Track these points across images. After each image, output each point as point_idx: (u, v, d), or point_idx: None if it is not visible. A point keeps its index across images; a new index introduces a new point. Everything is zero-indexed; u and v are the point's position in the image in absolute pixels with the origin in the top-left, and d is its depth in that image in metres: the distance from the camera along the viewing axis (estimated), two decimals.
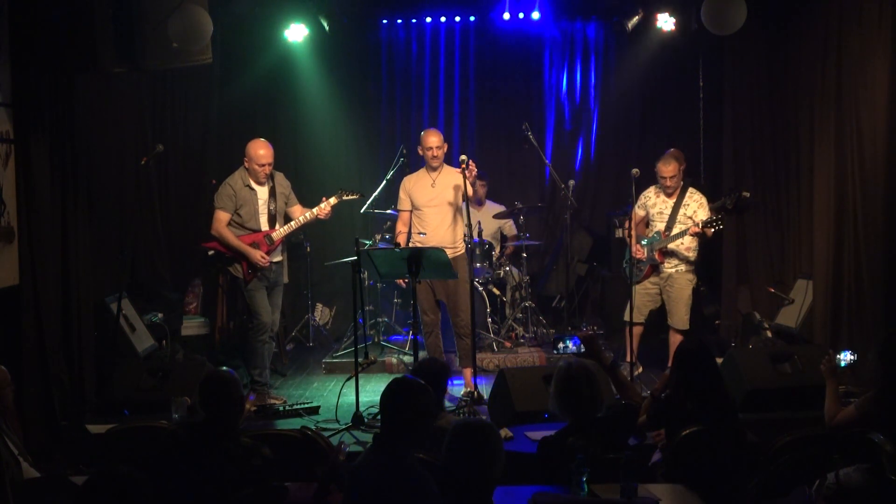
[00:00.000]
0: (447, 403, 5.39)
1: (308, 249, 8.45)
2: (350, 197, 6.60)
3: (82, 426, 5.51)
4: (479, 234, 7.50)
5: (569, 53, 9.20)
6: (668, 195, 6.82)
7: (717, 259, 8.13)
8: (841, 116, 6.73)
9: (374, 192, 7.85)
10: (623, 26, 8.64)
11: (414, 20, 9.08)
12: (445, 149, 6.57)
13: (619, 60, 9.14)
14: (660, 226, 6.79)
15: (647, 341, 7.23)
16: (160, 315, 7.25)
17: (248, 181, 6.31)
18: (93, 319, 6.33)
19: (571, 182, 8.27)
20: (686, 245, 6.72)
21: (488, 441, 3.02)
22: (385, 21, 9.08)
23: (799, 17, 7.41)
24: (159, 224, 7.64)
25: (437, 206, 6.48)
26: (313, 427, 5.30)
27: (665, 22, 8.30)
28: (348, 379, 6.11)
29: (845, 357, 4.60)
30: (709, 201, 6.88)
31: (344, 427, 5.76)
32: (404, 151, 7.81)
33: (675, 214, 6.74)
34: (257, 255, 6.24)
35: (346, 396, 6.10)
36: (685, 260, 6.74)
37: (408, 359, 7.28)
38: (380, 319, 8.15)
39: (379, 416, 3.90)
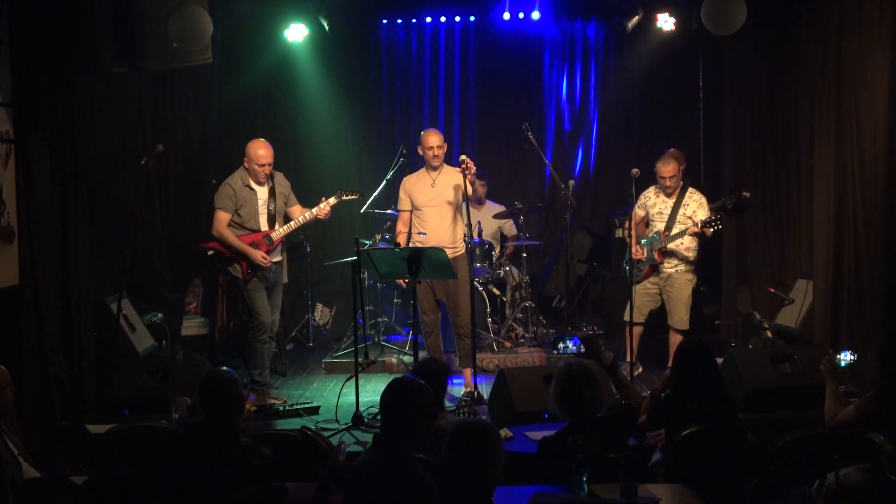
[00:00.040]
0: (447, 403, 5.39)
1: (308, 249, 8.45)
2: (349, 197, 6.60)
3: (82, 426, 5.51)
4: (479, 234, 7.50)
5: (569, 53, 9.20)
6: (668, 195, 6.82)
7: (717, 259, 8.13)
8: (841, 116, 6.73)
9: (374, 192, 7.85)
10: (623, 26, 8.64)
11: (414, 20, 9.08)
12: (445, 148, 6.57)
13: (619, 60, 9.14)
14: (659, 226, 6.80)
15: (647, 341, 7.23)
16: (160, 315, 7.25)
17: (247, 181, 6.31)
18: (93, 319, 6.33)
19: (571, 182, 8.28)
20: (686, 245, 6.72)
21: (488, 441, 3.02)
22: (385, 21, 9.08)
23: (799, 17, 7.40)
24: (159, 224, 7.64)
25: (437, 206, 6.48)
26: (313, 427, 5.31)
27: (665, 22, 8.30)
28: (348, 379, 6.11)
29: (845, 357, 4.60)
30: (709, 201, 6.88)
31: (344, 427, 5.76)
32: (404, 151, 7.81)
33: (674, 214, 6.74)
34: (258, 256, 6.24)
35: (346, 396, 6.10)
36: (685, 260, 6.74)
37: (408, 359, 7.28)
38: (380, 319, 8.15)
39: (379, 416, 3.90)
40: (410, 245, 6.45)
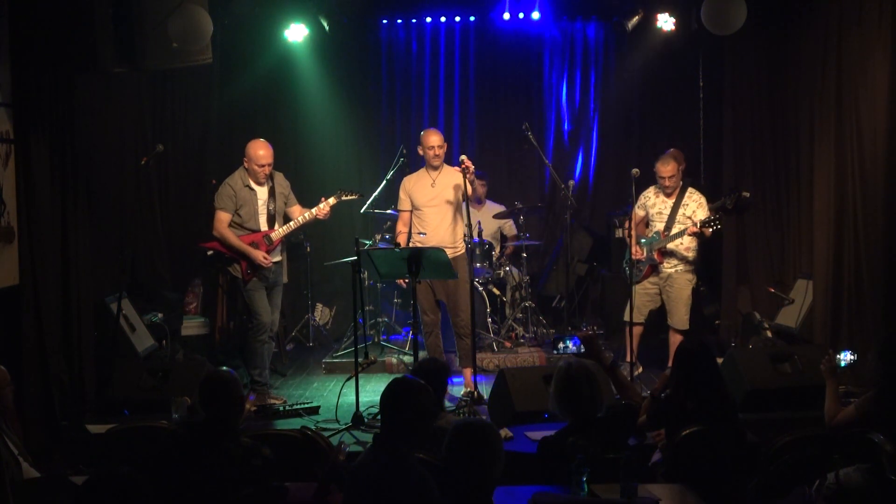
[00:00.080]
0: (447, 403, 5.39)
1: (308, 249, 8.45)
2: (349, 197, 6.60)
3: (82, 426, 5.51)
4: (479, 234, 7.50)
5: (569, 53, 9.20)
6: (668, 195, 6.82)
7: (717, 259, 8.13)
8: (841, 116, 6.72)
9: (374, 192, 7.85)
10: (623, 26, 8.64)
11: (414, 20, 9.08)
12: (445, 148, 6.57)
13: (619, 60, 9.14)
14: (659, 226, 6.80)
15: (647, 341, 7.23)
16: (160, 315, 7.25)
17: (247, 181, 6.31)
18: (93, 319, 6.34)
19: (571, 182, 8.27)
20: (685, 245, 6.72)
21: (488, 441, 3.02)
22: (385, 21, 9.09)
23: (799, 17, 7.40)
24: (159, 224, 7.64)
25: (437, 205, 6.48)
26: (313, 427, 5.30)
27: (665, 22, 8.30)
28: (348, 379, 6.11)
29: (845, 357, 4.60)
30: (709, 201, 6.88)
31: (344, 427, 5.76)
32: (404, 151, 7.81)
33: (674, 214, 6.74)
34: (259, 256, 6.24)
35: (346, 396, 6.10)
36: (684, 260, 6.74)
37: (408, 359, 7.27)
38: (380, 319, 8.15)
39: (379, 416, 3.90)
40: (410, 245, 6.45)
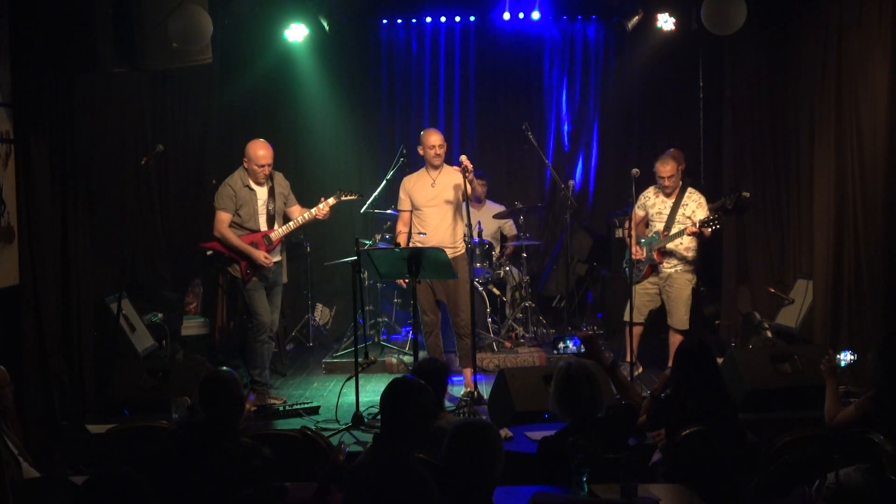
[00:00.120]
0: (447, 403, 5.39)
1: (308, 249, 8.45)
2: (348, 197, 6.60)
3: (82, 426, 5.51)
4: (479, 235, 7.50)
5: (569, 53, 9.20)
6: (667, 195, 6.82)
7: (717, 259, 8.13)
8: (841, 116, 6.72)
9: (374, 192, 7.85)
10: (623, 26, 8.65)
11: (414, 20, 9.08)
12: (445, 147, 6.57)
13: (619, 60, 9.14)
14: (659, 226, 6.80)
15: (647, 341, 7.23)
16: (160, 315, 7.25)
17: (247, 181, 6.31)
18: (93, 319, 6.33)
19: (571, 182, 8.27)
20: (685, 245, 6.72)
21: (488, 441, 3.02)
22: (385, 21, 9.09)
23: (799, 17, 7.40)
24: (159, 224, 7.64)
25: (437, 205, 6.48)
26: (313, 427, 5.30)
27: (665, 22, 8.31)
28: (348, 379, 6.11)
29: (845, 357, 4.60)
30: (709, 201, 6.88)
31: (344, 427, 5.76)
32: (404, 151, 7.81)
33: (673, 214, 6.75)
34: (261, 256, 6.24)
35: (346, 396, 6.10)
36: (684, 260, 6.74)
37: (408, 359, 7.27)
38: (380, 319, 8.15)
39: (379, 416, 3.90)
40: (410, 245, 6.45)
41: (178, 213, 7.93)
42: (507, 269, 8.07)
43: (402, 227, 6.68)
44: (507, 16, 8.65)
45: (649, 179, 6.93)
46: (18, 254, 5.57)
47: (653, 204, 6.89)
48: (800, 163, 7.46)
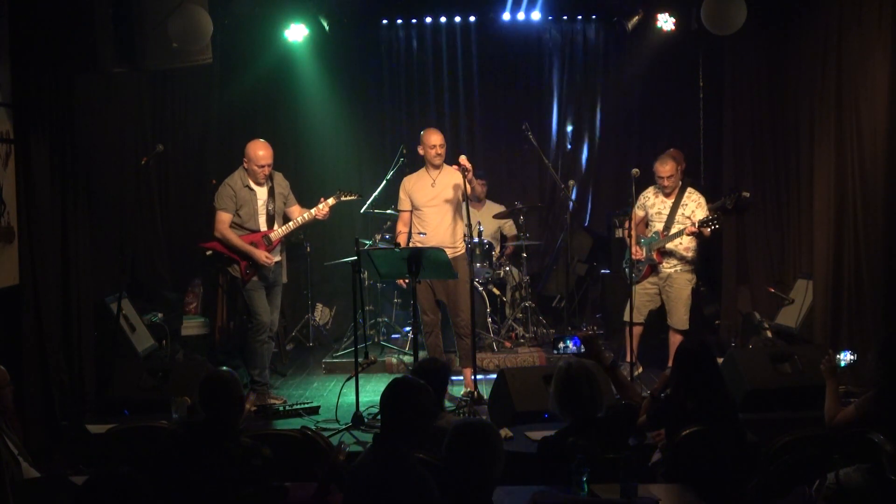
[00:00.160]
0: (447, 403, 5.39)
1: (308, 249, 8.45)
2: (348, 198, 6.60)
3: (82, 426, 5.51)
4: (479, 234, 7.50)
5: (569, 53, 9.20)
6: (667, 195, 6.82)
7: (717, 259, 8.13)
8: (841, 116, 6.72)
9: (374, 192, 7.85)
10: (623, 26, 8.64)
11: (414, 20, 9.09)
12: (445, 147, 6.58)
13: (619, 60, 9.14)
14: (658, 226, 6.80)
15: (647, 341, 7.23)
16: (160, 315, 7.25)
17: (247, 181, 6.31)
18: (93, 319, 6.33)
19: (571, 182, 8.28)
20: (684, 245, 6.72)
21: (488, 441, 3.02)
22: (385, 21, 9.09)
23: (799, 17, 7.40)
24: (159, 224, 7.64)
25: (437, 205, 6.48)
26: (313, 427, 5.30)
27: (665, 22, 8.31)
28: (348, 379, 6.11)
29: (845, 357, 4.59)
30: (709, 201, 6.88)
31: (344, 427, 5.76)
32: (404, 151, 7.81)
33: (673, 214, 6.75)
34: (262, 255, 6.24)
35: (346, 396, 6.10)
36: (684, 260, 6.74)
37: (408, 359, 7.28)
38: (380, 319, 8.15)
39: (379, 416, 3.90)
40: (410, 245, 6.45)
41: (178, 213, 7.93)
42: (507, 269, 8.08)
43: (402, 227, 6.68)
44: (507, 16, 8.65)
45: (649, 179, 6.93)
46: (18, 254, 5.57)
47: (652, 204, 6.89)
48: (800, 163, 7.46)
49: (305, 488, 3.57)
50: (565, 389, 3.94)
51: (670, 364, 5.39)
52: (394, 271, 6.10)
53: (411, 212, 6.59)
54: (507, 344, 7.73)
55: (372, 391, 6.46)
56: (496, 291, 7.96)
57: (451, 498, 3.02)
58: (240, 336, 7.43)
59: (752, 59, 7.97)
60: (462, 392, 6.41)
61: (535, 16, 8.63)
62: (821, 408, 4.46)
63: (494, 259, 7.76)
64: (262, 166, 6.25)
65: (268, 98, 8.92)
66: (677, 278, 6.76)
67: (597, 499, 3.41)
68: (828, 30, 6.88)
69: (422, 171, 6.61)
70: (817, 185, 7.07)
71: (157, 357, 6.90)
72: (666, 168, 6.72)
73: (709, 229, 6.52)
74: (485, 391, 6.23)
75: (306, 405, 6.20)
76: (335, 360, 7.59)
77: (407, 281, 6.40)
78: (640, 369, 6.92)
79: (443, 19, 9.05)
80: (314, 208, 6.43)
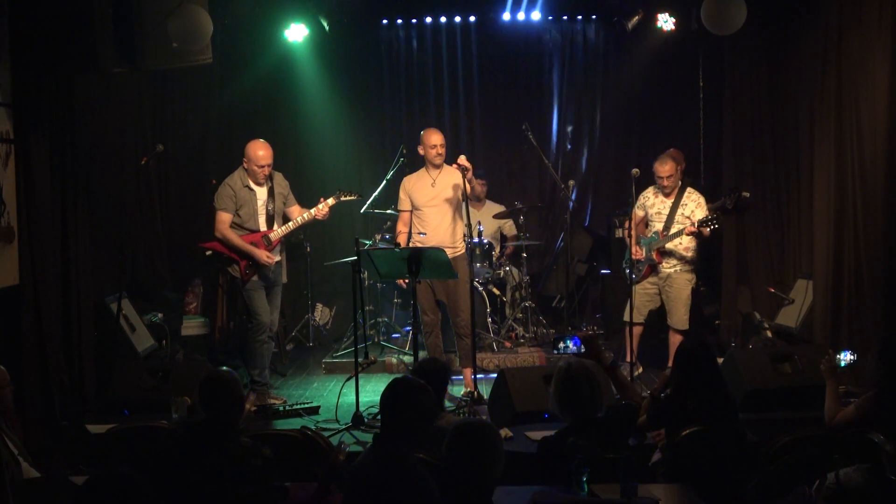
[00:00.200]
0: (447, 403, 5.39)
1: (308, 249, 8.45)
2: (348, 198, 6.60)
3: (82, 426, 5.51)
4: (479, 234, 7.50)
5: (569, 53, 9.19)
6: (666, 195, 6.83)
7: (717, 259, 8.13)
8: (841, 116, 6.72)
9: (374, 192, 7.85)
10: (623, 26, 8.64)
11: (414, 20, 9.09)
12: (446, 147, 6.58)
13: (619, 60, 9.14)
14: (658, 226, 6.80)
15: (647, 341, 7.23)
16: (160, 315, 7.25)
17: (247, 181, 6.31)
18: (93, 319, 6.33)
19: (571, 182, 8.27)
20: (684, 245, 6.73)
21: (488, 441, 3.02)
22: (385, 21, 9.09)
23: (799, 17, 7.40)
24: (159, 224, 7.64)
25: (437, 205, 6.48)
26: (313, 427, 5.30)
27: (665, 22, 8.31)
28: (348, 379, 6.11)
29: (845, 357, 4.59)
30: (709, 201, 6.88)
31: (344, 427, 5.76)
32: (404, 151, 7.80)
33: (672, 214, 6.75)
34: (263, 255, 6.24)
35: (346, 396, 6.10)
36: (683, 260, 6.74)
37: (408, 359, 7.28)
38: (380, 319, 8.15)
39: (379, 416, 3.90)
40: (410, 245, 6.45)
41: (178, 213, 7.93)
42: (507, 269, 8.07)
43: (402, 227, 6.68)
44: (507, 16, 8.65)
45: (649, 179, 6.93)
46: (18, 254, 5.57)
47: (652, 204, 6.89)
48: (800, 163, 7.46)
49: (305, 488, 3.57)
50: (565, 389, 3.94)
51: (670, 364, 5.40)
52: (394, 271, 6.10)
53: (411, 212, 6.59)
54: (507, 344, 7.73)
55: (372, 391, 6.46)
56: (496, 291, 7.96)
57: (451, 498, 3.02)
58: (240, 336, 7.43)
59: (752, 59, 7.96)
60: (462, 392, 6.41)
61: (535, 16, 8.64)
62: (821, 408, 4.47)
63: (494, 259, 7.76)
64: (262, 166, 6.25)
65: (268, 98, 8.91)
66: (677, 278, 6.76)
67: (597, 499, 3.41)
68: (828, 30, 6.88)
69: (422, 171, 6.61)
70: (817, 185, 7.07)
71: (157, 357, 6.90)
72: (665, 168, 6.72)
73: (708, 229, 6.52)
74: (485, 391, 6.23)
75: (306, 405, 6.20)
76: (335, 360, 7.60)
77: (407, 281, 6.40)
78: (640, 369, 6.92)
79: (443, 19, 9.04)
80: (314, 208, 6.43)
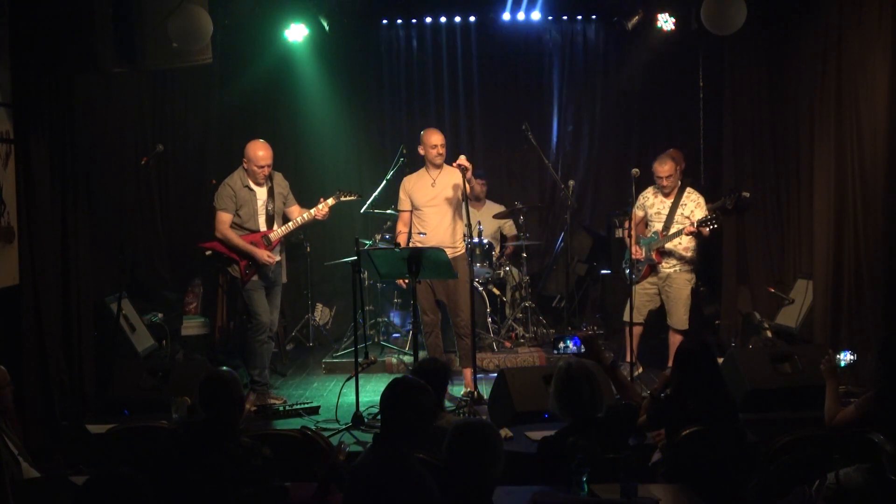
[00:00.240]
0: (447, 403, 5.39)
1: (308, 249, 8.45)
2: (348, 198, 6.60)
3: (82, 426, 5.51)
4: (479, 234, 7.50)
5: (569, 53, 9.19)
6: (666, 195, 6.83)
7: (717, 259, 8.13)
8: (841, 116, 6.72)
9: (374, 192, 7.85)
10: (623, 26, 8.64)
11: (414, 20, 9.08)
12: (446, 146, 6.58)
13: (619, 60, 9.14)
14: (657, 226, 6.80)
15: (647, 341, 7.23)
16: (160, 315, 7.26)
17: (246, 182, 6.31)
18: (93, 319, 6.34)
19: (571, 182, 8.27)
20: (684, 245, 6.73)
21: (488, 441, 3.02)
22: (385, 21, 9.09)
23: (799, 17, 7.40)
24: (159, 224, 7.64)
25: (437, 205, 6.48)
26: (313, 427, 5.30)
27: (665, 22, 8.30)
28: (348, 379, 6.11)
29: (845, 357, 4.60)
30: (709, 201, 6.88)
31: (344, 427, 5.76)
32: (404, 151, 7.80)
33: (672, 214, 6.75)
34: (264, 255, 6.25)
35: (346, 396, 6.10)
36: (683, 260, 6.74)
37: (408, 359, 7.28)
38: (380, 319, 8.15)
39: (379, 416, 3.90)
40: (410, 245, 6.45)
41: (178, 213, 7.93)
42: (507, 269, 8.07)
43: (402, 227, 6.68)
44: (507, 16, 8.65)
45: (649, 179, 6.93)
46: (18, 254, 5.57)
47: (651, 204, 6.89)
48: (800, 163, 7.46)
49: (305, 488, 3.57)
50: (565, 389, 3.94)
51: (670, 364, 5.40)
52: (394, 271, 6.10)
53: (411, 212, 6.59)
54: (507, 344, 7.73)
55: (372, 391, 6.46)
56: (496, 291, 7.96)
57: (451, 498, 3.02)
58: (240, 336, 7.43)
59: (752, 59, 7.96)
60: (462, 392, 6.41)
61: (535, 16, 8.63)
62: (821, 408, 4.47)
63: (494, 259, 7.76)
64: (262, 167, 6.25)
65: (268, 98, 8.91)
66: (676, 278, 6.77)
67: (597, 499, 3.41)
68: (828, 30, 6.88)
69: (422, 171, 6.61)
70: (817, 185, 7.07)
71: (157, 357, 6.91)
72: (664, 168, 6.72)
73: (707, 229, 6.53)
74: (485, 391, 6.23)
75: (306, 405, 6.20)
76: (335, 360, 7.60)
77: (407, 281, 6.40)
78: (640, 369, 6.93)
79: (443, 19, 9.04)
80: (314, 208, 6.43)
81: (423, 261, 5.76)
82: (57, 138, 5.88)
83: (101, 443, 4.65)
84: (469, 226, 6.27)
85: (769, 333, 7.30)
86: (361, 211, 7.98)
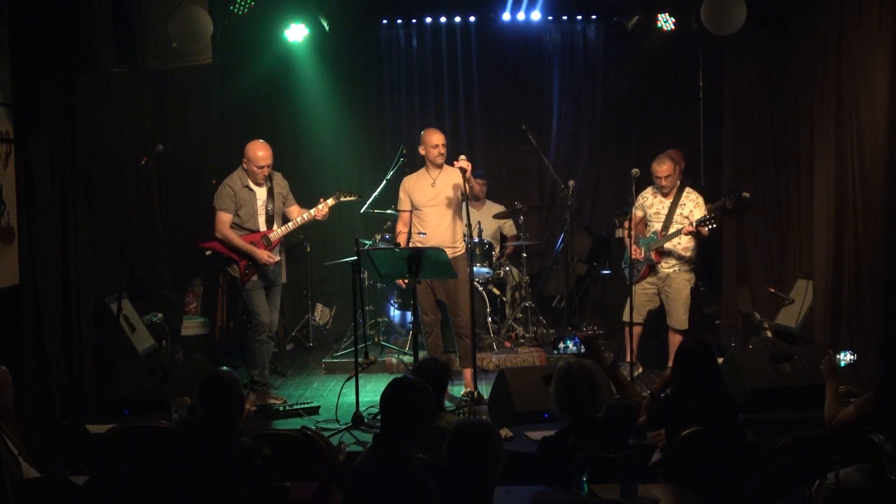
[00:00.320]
0: (447, 403, 5.39)
1: (308, 249, 8.45)
2: (348, 198, 6.60)
3: (82, 426, 5.51)
4: (479, 234, 7.50)
5: (569, 53, 9.19)
6: (665, 195, 6.83)
7: (717, 259, 8.13)
8: (841, 116, 6.72)
9: (374, 192, 7.85)
10: (623, 26, 8.64)
11: (414, 20, 9.08)
12: (447, 146, 6.58)
13: (620, 60, 9.13)
14: (657, 226, 6.80)
15: (647, 341, 7.23)
16: (160, 315, 7.26)
17: (246, 182, 6.31)
18: (93, 319, 6.34)
19: (571, 182, 8.27)
20: (683, 245, 6.73)
21: (488, 441, 3.02)
22: (385, 21, 9.08)
23: (799, 17, 7.40)
24: (159, 224, 7.64)
25: (436, 205, 6.48)
26: (313, 427, 5.30)
27: (665, 22, 8.30)
28: (348, 379, 6.11)
29: (845, 357, 4.60)
30: (709, 201, 6.88)
31: (344, 427, 5.76)
32: (404, 151, 7.81)
33: (671, 214, 6.75)
34: (264, 255, 6.25)
35: (346, 396, 6.10)
36: (682, 260, 6.74)
37: (408, 359, 7.28)
38: (380, 319, 8.15)
39: (379, 416, 3.90)
40: (410, 245, 6.45)
41: (178, 213, 7.93)
42: (507, 269, 8.07)
43: (401, 227, 6.68)
44: (507, 16, 8.65)
45: (649, 179, 6.93)
46: (18, 254, 5.57)
47: (651, 204, 6.89)
48: (800, 163, 7.46)
49: (305, 488, 3.57)
50: (565, 389, 3.95)
51: (670, 364, 5.40)
52: (394, 271, 6.10)
53: (411, 212, 6.59)
54: (507, 344, 7.73)
55: (372, 391, 6.46)
56: (496, 291, 7.96)
57: (451, 498, 3.02)
58: (240, 336, 7.43)
59: (752, 59, 7.97)
60: (462, 392, 6.41)
61: (535, 16, 8.63)
62: (821, 408, 4.47)
63: (494, 259, 7.76)
64: (262, 167, 6.25)
65: (268, 98, 8.91)
66: (676, 278, 6.77)
67: (597, 499, 3.42)
68: (828, 30, 6.89)
69: (422, 171, 6.61)
70: (817, 185, 7.07)
71: (157, 357, 6.91)
72: (663, 168, 6.72)
73: (707, 229, 6.53)
74: (485, 391, 6.23)
75: (306, 405, 6.20)
76: (335, 360, 7.59)
77: (407, 281, 6.40)
78: (640, 369, 6.92)
79: (443, 19, 9.04)
80: (313, 209, 6.43)
81: (423, 261, 5.76)
82: (57, 138, 5.88)
83: (101, 443, 4.65)
84: (469, 226, 6.27)
85: (769, 333, 7.30)
86: (361, 211, 7.98)
